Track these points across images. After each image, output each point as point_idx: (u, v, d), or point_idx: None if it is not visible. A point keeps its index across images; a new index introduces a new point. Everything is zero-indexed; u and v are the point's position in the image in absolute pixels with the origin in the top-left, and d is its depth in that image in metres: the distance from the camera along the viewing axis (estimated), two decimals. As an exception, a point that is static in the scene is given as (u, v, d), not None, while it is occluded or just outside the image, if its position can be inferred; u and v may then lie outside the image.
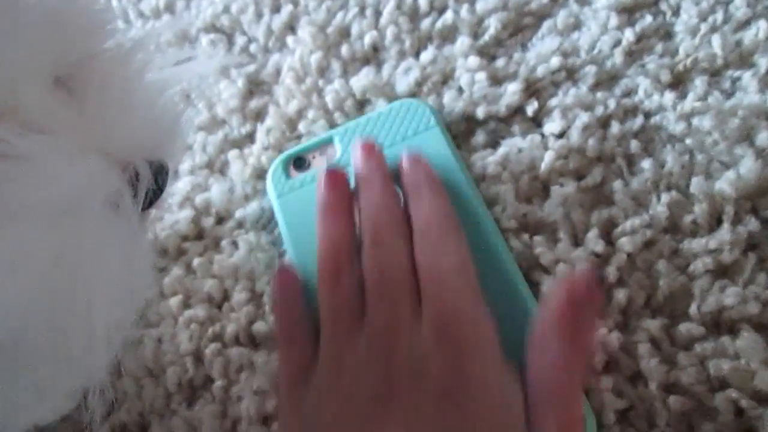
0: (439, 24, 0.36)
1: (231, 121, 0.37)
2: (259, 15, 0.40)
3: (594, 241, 0.28)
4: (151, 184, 0.21)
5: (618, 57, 0.32)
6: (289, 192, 0.32)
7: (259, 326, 0.30)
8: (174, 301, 0.32)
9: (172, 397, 0.30)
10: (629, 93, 0.32)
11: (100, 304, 0.19)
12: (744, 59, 0.31)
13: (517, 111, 0.32)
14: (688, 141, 0.29)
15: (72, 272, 0.19)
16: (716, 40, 0.31)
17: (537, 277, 0.28)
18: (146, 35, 0.24)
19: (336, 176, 0.29)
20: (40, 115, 0.19)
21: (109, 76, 0.21)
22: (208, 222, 0.34)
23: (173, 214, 0.34)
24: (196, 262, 0.32)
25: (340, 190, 0.29)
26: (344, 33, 0.38)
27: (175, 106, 0.24)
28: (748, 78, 0.30)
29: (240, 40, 0.40)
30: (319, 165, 0.33)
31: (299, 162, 0.33)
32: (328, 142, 0.33)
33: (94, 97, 0.20)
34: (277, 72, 0.38)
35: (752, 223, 0.27)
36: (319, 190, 0.29)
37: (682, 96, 0.31)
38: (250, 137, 0.36)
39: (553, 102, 0.32)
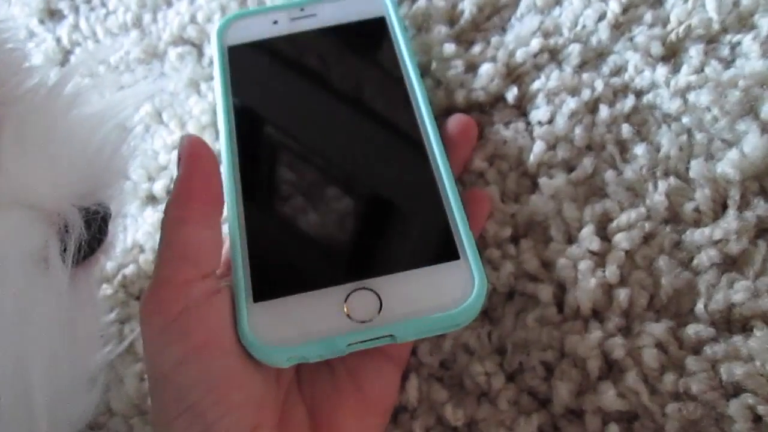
0: (411, 12, 0.33)
1: (204, 136, 0.35)
2: (225, 21, 0.38)
3: (589, 239, 0.26)
4: (83, 233, 0.20)
5: (603, 32, 0.30)
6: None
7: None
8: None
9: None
10: (618, 71, 0.29)
11: (34, 369, 0.18)
12: (743, 21, 0.28)
13: (498, 99, 0.30)
14: (684, 120, 0.27)
15: None
16: (711, 1, 0.28)
17: (524, 287, 0.26)
18: (72, 67, 0.22)
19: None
20: None
21: (27, 121, 0.19)
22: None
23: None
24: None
25: None
26: (313, 32, 0.35)
27: (114, 140, 0.23)
28: (748, 42, 0.27)
29: (208, 50, 0.38)
30: None
31: None
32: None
33: (9, 146, 0.19)
34: (248, 81, 0.36)
35: (761, 207, 0.25)
36: None
37: (676, 69, 0.28)
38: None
39: (535, 86, 0.29)
